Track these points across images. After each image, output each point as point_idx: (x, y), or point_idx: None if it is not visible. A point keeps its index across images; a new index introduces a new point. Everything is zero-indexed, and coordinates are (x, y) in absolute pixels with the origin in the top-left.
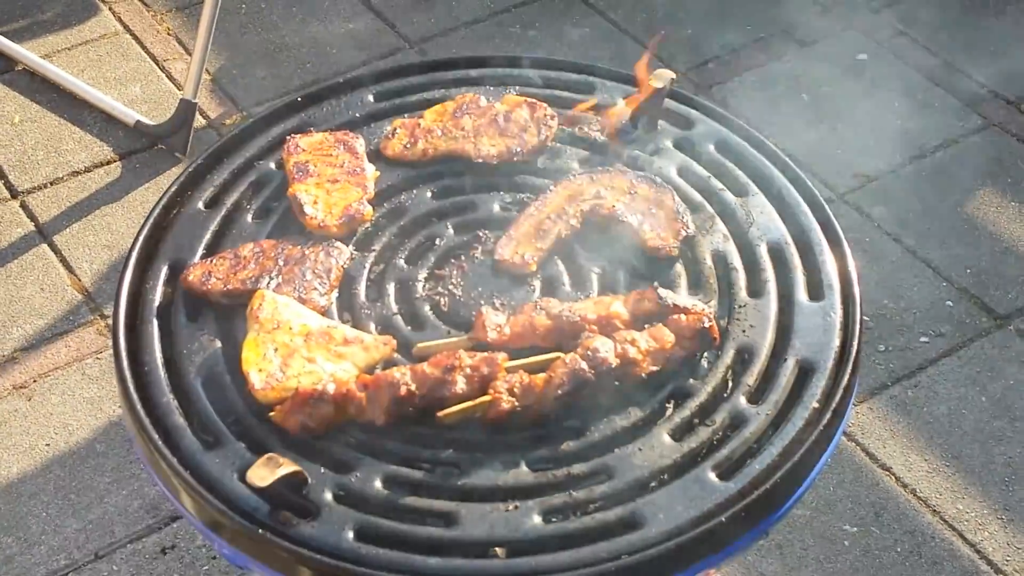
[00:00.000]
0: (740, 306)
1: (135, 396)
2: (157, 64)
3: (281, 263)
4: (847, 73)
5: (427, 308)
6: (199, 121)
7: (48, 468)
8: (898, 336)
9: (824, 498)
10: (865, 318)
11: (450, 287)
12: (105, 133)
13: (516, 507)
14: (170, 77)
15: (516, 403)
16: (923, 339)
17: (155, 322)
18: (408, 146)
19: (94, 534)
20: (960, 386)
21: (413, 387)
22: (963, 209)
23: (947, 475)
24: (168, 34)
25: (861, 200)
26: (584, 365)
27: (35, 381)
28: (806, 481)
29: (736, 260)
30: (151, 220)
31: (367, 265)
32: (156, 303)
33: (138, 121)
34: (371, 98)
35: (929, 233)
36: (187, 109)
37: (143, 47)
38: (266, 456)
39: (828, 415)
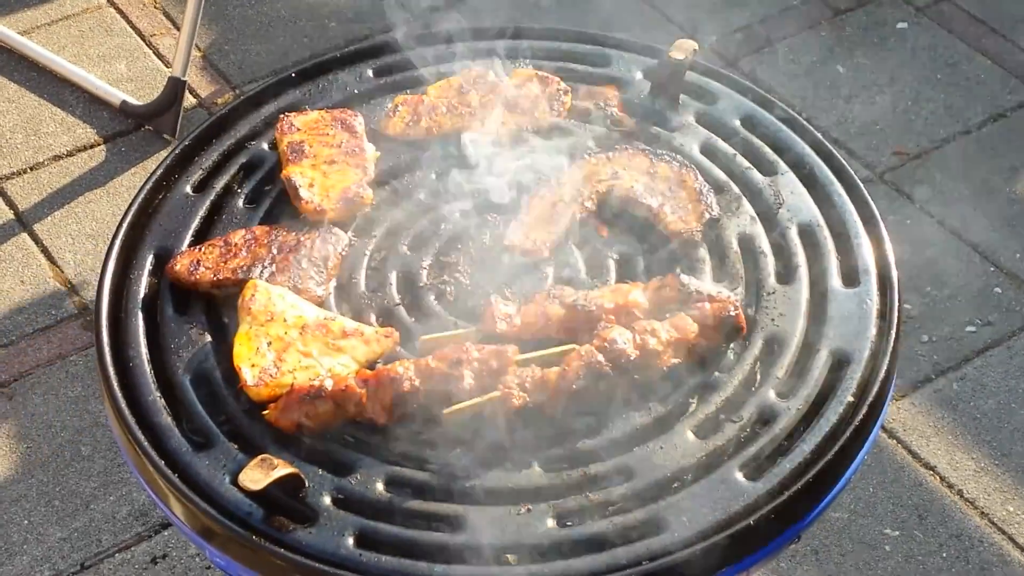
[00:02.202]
0: (769, 293)
1: (119, 394)
2: (144, 40)
3: (275, 251)
4: (885, 43)
5: (432, 298)
6: (189, 101)
7: (30, 472)
8: (942, 325)
9: (863, 499)
10: (906, 306)
11: (456, 275)
12: (88, 114)
13: (528, 510)
14: (157, 54)
15: (528, 399)
16: (969, 328)
17: (140, 315)
18: (411, 124)
19: (80, 543)
20: (1010, 378)
21: (417, 383)
22: (1012, 188)
23: (996, 474)
24: (155, 7)
25: (901, 179)
26: (601, 358)
27: (15, 380)
28: (841, 481)
29: (764, 244)
30: (135, 206)
31: (367, 252)
32: (141, 295)
33: (123, 101)
34: (371, 73)
35: (975, 214)
36: (176, 88)
37: (128, 22)
38: (260, 458)
39: (864, 410)
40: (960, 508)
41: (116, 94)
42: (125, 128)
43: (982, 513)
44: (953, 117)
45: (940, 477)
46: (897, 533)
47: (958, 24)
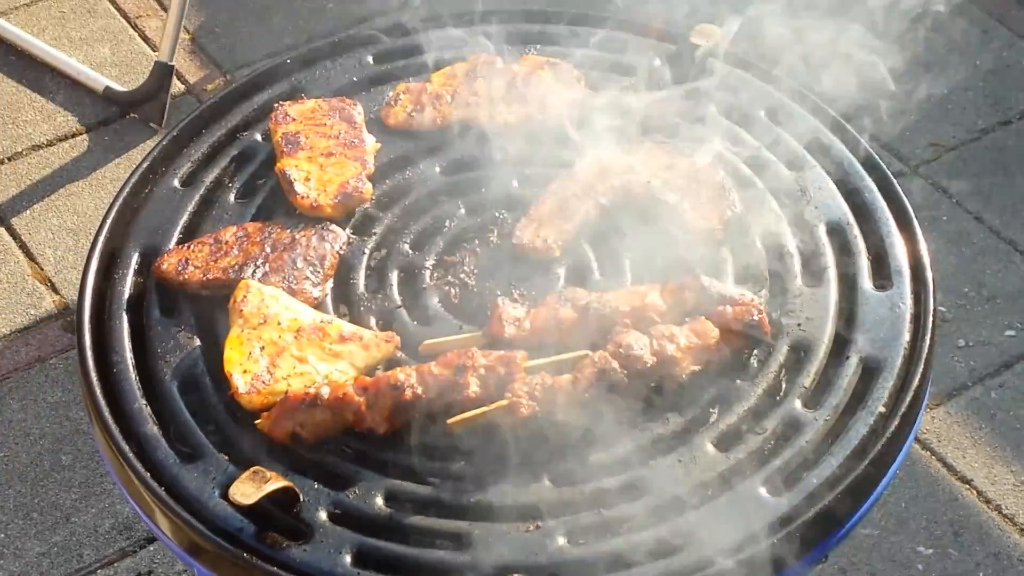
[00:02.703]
0: (795, 296)
1: (103, 402)
2: (129, 22)
3: (268, 249)
4: (920, 26)
5: (435, 300)
6: (177, 87)
7: (7, 483)
8: (979, 329)
9: (894, 515)
10: (941, 308)
11: (462, 276)
12: (70, 101)
13: (537, 527)
14: (143, 37)
15: (537, 408)
16: (1008, 332)
17: (125, 317)
18: (413, 114)
19: (60, 558)
20: None
21: (419, 390)
22: None
23: None
24: None
25: (937, 172)
26: (615, 365)
27: None
28: (871, 497)
29: (791, 243)
30: (120, 201)
31: (367, 251)
32: (126, 295)
33: (107, 87)
34: (371, 59)
35: (1015, 210)
36: (163, 73)
37: (113, 2)
38: (252, 470)
39: (896, 421)
40: (998, 524)
41: (99, 79)
42: (109, 116)
43: (1022, 530)
44: (993, 106)
45: (977, 491)
46: (931, 551)
47: (998, 6)
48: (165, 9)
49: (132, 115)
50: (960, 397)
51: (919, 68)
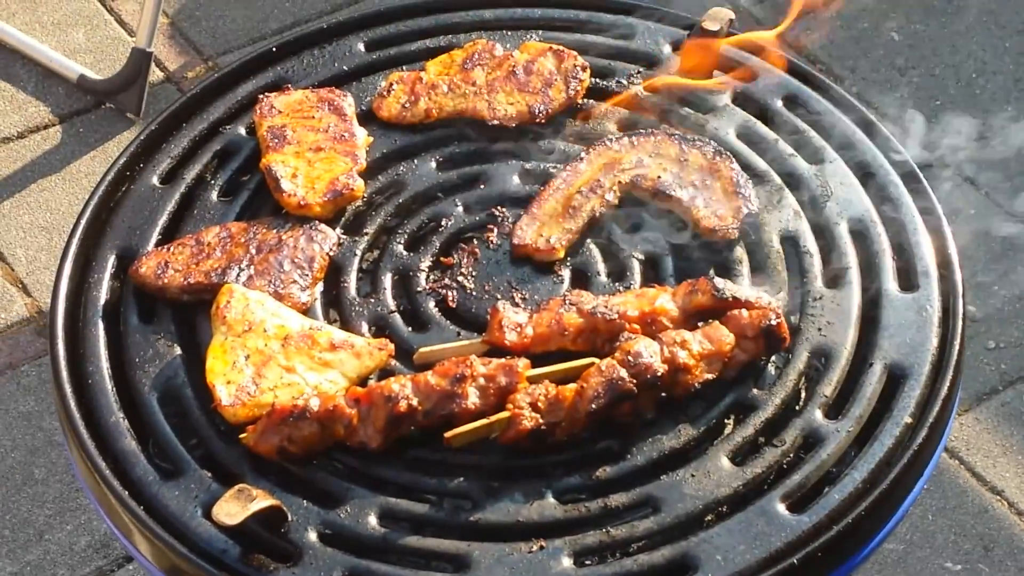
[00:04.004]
0: (815, 299)
1: (77, 415)
2: (104, 5)
3: (253, 251)
4: (947, 5)
5: (431, 304)
6: (155, 74)
7: None
8: (1011, 330)
9: (921, 529)
10: (970, 309)
11: (459, 278)
12: (42, 91)
13: (541, 547)
14: (119, 21)
15: (540, 420)
16: None
17: (101, 324)
18: (407, 106)
19: None
20: None
21: (415, 402)
22: None
23: None
24: None
25: (966, 163)
26: (624, 373)
27: None
28: (896, 514)
29: (810, 242)
30: (95, 199)
31: (358, 252)
32: (102, 300)
33: (81, 76)
34: (361, 47)
35: None
36: (141, 60)
37: None
38: (236, 487)
39: (924, 432)
40: None
41: (73, 67)
42: (83, 106)
43: None
44: None
45: (1008, 503)
46: (959, 567)
47: None
48: None
49: (108, 105)
50: (990, 402)
51: (944, 51)
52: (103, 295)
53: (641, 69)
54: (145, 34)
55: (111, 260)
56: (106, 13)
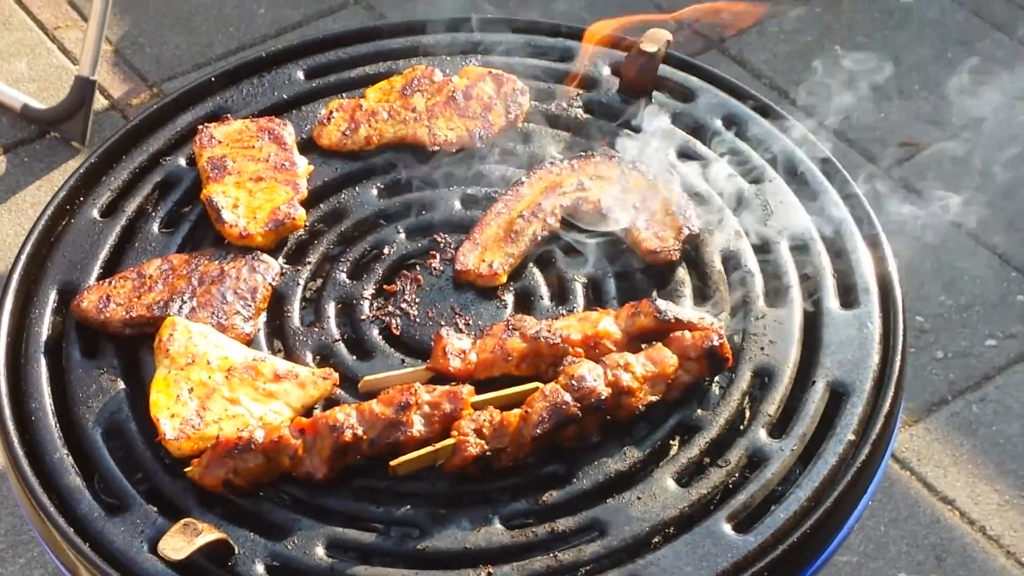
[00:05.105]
0: (757, 318)
1: (20, 452)
2: (47, 34)
3: (195, 283)
4: (889, 18)
5: (375, 332)
6: (100, 102)
7: None
8: (959, 339)
9: (873, 540)
10: (918, 318)
11: (403, 306)
12: None
13: (489, 574)
14: (63, 49)
15: (486, 447)
16: (990, 342)
17: (43, 360)
18: (348, 133)
19: None
20: None
21: (360, 431)
22: None
23: (1023, 508)
24: None
25: (910, 173)
26: (568, 397)
27: None
28: (842, 531)
29: (751, 262)
30: (35, 234)
31: (301, 281)
32: (43, 336)
33: (25, 105)
34: (301, 75)
35: (994, 212)
36: (84, 88)
37: (29, 13)
38: (182, 522)
39: (867, 449)
40: (983, 547)
41: (16, 96)
42: (27, 135)
43: (1008, 552)
44: (968, 101)
45: (960, 512)
46: None
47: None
48: (85, 19)
49: (52, 134)
50: (940, 412)
51: (887, 63)
52: (45, 331)
53: (580, 92)
54: (88, 62)
55: (52, 295)
56: (49, 42)
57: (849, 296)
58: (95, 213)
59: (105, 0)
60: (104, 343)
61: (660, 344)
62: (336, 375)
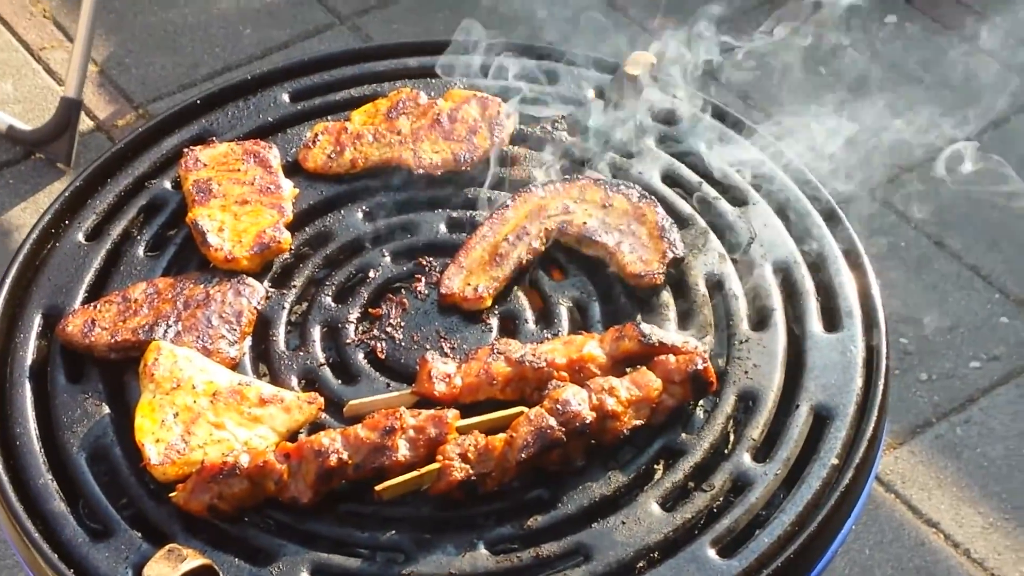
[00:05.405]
0: (741, 342)
1: (5, 477)
2: (32, 54)
3: (180, 306)
4: (872, 39)
5: (361, 356)
6: (85, 123)
7: None
8: (943, 361)
9: (858, 563)
10: (902, 340)
11: (388, 329)
12: None
13: None
14: (48, 70)
15: (471, 471)
16: (973, 364)
17: (28, 385)
18: (333, 156)
19: None
20: (1020, 420)
21: (345, 456)
22: (1020, 203)
23: (1007, 531)
24: (45, 17)
25: (895, 196)
26: (552, 421)
27: None
28: (826, 555)
29: (735, 285)
30: (20, 258)
31: (286, 305)
32: (28, 361)
33: (10, 126)
34: (286, 97)
35: (978, 234)
36: (69, 109)
37: (14, 34)
38: (167, 547)
39: (851, 473)
40: (968, 570)
41: (2, 118)
42: (13, 157)
43: (992, 575)
44: (952, 122)
45: (944, 535)
46: None
47: (954, 17)
48: (71, 40)
49: (38, 155)
50: (924, 434)
51: (871, 84)
52: (29, 355)
53: (565, 115)
54: (74, 83)
55: (37, 319)
56: (34, 63)
57: (832, 319)
58: (80, 237)
59: (91, 21)
60: (89, 367)
61: (644, 368)
62: (321, 399)
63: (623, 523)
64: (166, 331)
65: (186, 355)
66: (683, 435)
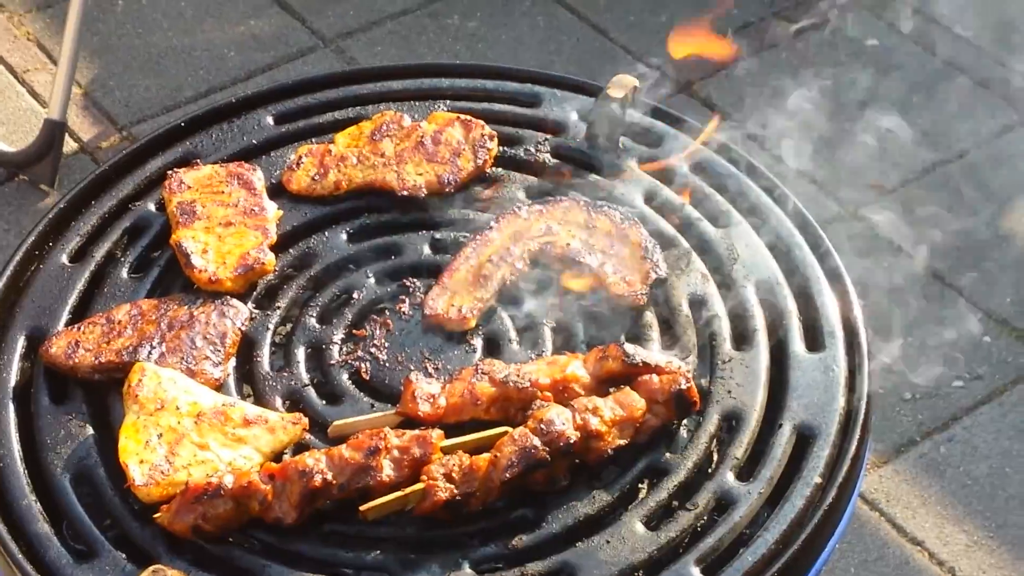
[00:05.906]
0: (724, 361)
1: None
2: (15, 76)
3: (164, 328)
4: (855, 62)
5: (345, 377)
6: (69, 145)
7: None
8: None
9: None
10: (885, 360)
11: (372, 350)
12: None
13: None
14: (32, 92)
15: (455, 491)
16: (957, 383)
17: (11, 406)
18: (317, 178)
19: None
20: (1003, 439)
21: (329, 476)
22: (1002, 223)
23: (991, 548)
24: (28, 39)
25: (877, 216)
26: (536, 441)
27: None
28: (810, 573)
29: (718, 305)
30: (3, 279)
31: (270, 326)
32: (12, 382)
33: None
34: (270, 120)
35: (961, 254)
36: (53, 131)
37: None
38: (151, 568)
39: (834, 491)
40: None
41: None
42: None
43: None
44: (934, 144)
45: (929, 553)
46: None
47: (937, 41)
48: (55, 62)
49: (21, 177)
50: (908, 453)
51: (854, 107)
52: (13, 376)
53: (548, 137)
54: (58, 105)
55: (21, 341)
56: (18, 85)
57: (815, 339)
58: (64, 258)
59: (75, 43)
60: (73, 389)
61: (628, 388)
62: (306, 420)
63: (608, 542)
64: (150, 352)
65: (170, 376)
66: (667, 454)
